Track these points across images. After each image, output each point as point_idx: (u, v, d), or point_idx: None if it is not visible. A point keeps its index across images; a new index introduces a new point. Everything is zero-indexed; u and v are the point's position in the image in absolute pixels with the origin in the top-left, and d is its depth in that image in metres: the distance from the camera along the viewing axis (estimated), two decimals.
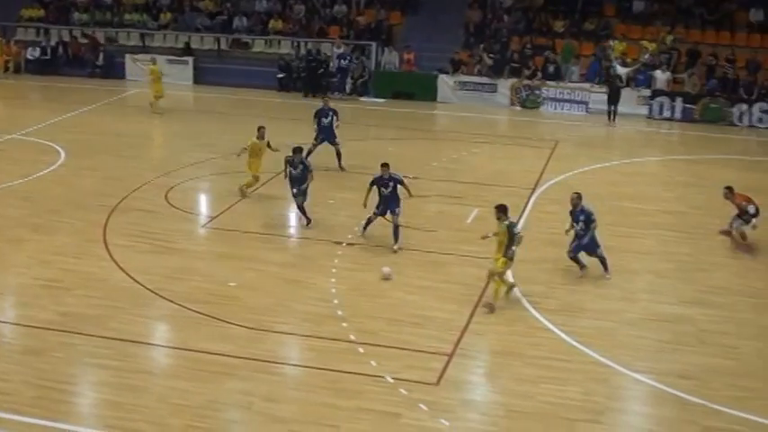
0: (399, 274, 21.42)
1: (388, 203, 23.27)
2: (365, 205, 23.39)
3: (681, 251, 23.89)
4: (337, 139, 30.10)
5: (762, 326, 19.74)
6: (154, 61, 40.22)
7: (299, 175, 24.53)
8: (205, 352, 17.67)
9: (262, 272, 21.74)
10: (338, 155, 29.95)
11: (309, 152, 28.71)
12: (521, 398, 16.47)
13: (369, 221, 23.55)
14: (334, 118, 30.00)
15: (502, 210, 20.11)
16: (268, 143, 27.38)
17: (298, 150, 24.94)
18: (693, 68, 41.15)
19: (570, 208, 21.75)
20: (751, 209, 23.51)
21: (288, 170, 24.86)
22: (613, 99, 39.22)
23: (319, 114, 30.05)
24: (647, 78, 40.88)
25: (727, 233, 24.12)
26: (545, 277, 21.79)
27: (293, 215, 25.50)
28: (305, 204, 24.74)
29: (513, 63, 42.56)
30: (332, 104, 30.56)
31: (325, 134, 29.86)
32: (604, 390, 16.90)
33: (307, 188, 24.61)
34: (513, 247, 19.79)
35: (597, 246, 21.67)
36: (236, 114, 37.96)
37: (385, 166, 23.41)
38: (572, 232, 21.73)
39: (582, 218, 21.38)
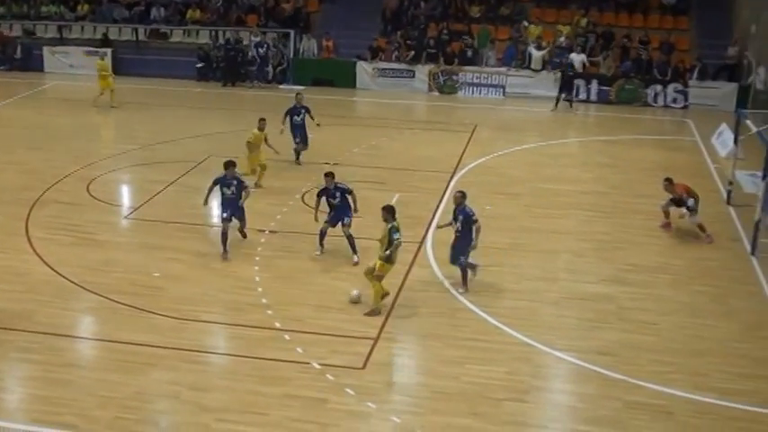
0: (324, 261, 21.59)
1: (339, 213, 22.28)
2: (316, 219, 22.53)
3: (599, 230, 24.33)
4: (308, 140, 29.79)
5: (680, 302, 20.23)
6: (102, 56, 39.45)
7: (232, 195, 22.28)
8: (131, 343, 17.68)
9: (185, 262, 21.76)
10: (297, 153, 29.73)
11: (298, 155, 29.04)
12: (446, 379, 16.72)
13: (322, 234, 22.22)
14: (307, 116, 29.46)
15: (388, 211, 19.39)
16: (265, 137, 27.21)
17: (230, 165, 22.52)
18: (608, 51, 41.75)
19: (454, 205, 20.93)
20: (690, 202, 23.87)
21: (220, 190, 22.54)
22: (566, 87, 39.68)
23: (291, 113, 29.34)
24: (562, 61, 41.33)
25: (668, 225, 24.53)
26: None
27: (215, 204, 25.49)
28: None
29: (430, 49, 42.82)
30: (304, 102, 29.81)
31: (299, 132, 29.25)
32: (528, 369, 17.20)
33: (243, 210, 22.56)
34: (389, 252, 19.06)
35: (462, 254, 20.35)
36: (155, 105, 37.82)
37: (329, 175, 22.36)
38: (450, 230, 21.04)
39: (461, 217, 20.19)
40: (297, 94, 29.95)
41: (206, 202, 22.96)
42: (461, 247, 20.25)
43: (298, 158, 29.60)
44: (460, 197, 20.48)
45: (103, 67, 38.05)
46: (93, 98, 37.86)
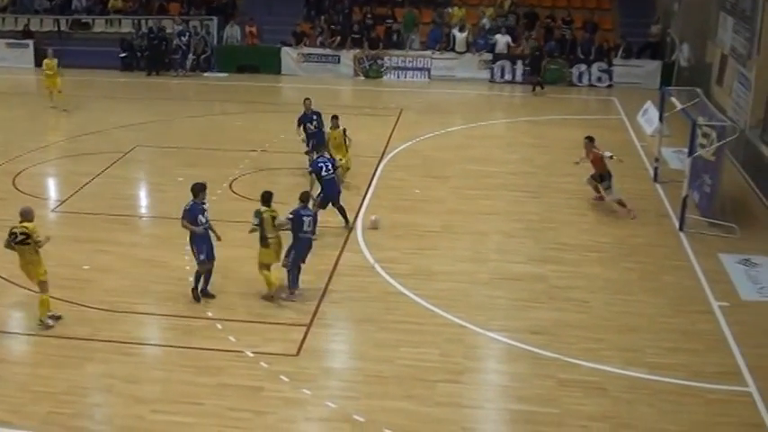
0: (253, 249, 21.46)
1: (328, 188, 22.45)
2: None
3: (528, 210, 24.48)
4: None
5: (609, 279, 20.44)
6: (50, 55, 37.88)
7: (204, 230, 19.27)
8: (63, 337, 17.49)
9: (115, 253, 21.53)
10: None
11: (310, 163, 25.94)
12: (380, 362, 16.75)
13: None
14: (319, 121, 26.94)
15: (263, 198, 19.09)
16: (344, 131, 26.07)
17: (201, 189, 19.34)
18: (532, 31, 41.94)
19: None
20: (605, 183, 24.33)
21: (196, 219, 19.21)
22: (535, 69, 39.78)
23: (303, 120, 26.88)
24: (486, 43, 41.54)
25: (600, 198, 24.75)
26: (396, 243, 22.10)
27: (143, 195, 25.35)
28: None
29: (354, 34, 42.76)
30: (314, 107, 27.33)
31: (317, 139, 26.34)
32: (461, 350, 17.28)
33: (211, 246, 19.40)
34: (270, 236, 18.88)
35: (299, 257, 19.28)
36: (80, 96, 37.25)
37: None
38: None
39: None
40: (305, 99, 27.29)
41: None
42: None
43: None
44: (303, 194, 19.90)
45: (49, 66, 35.80)
46: (52, 97, 35.69)
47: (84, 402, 15.59)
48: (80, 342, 17.33)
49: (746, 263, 21.24)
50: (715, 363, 16.90)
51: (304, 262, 19.35)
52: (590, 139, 24.59)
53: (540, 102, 37.80)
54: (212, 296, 19.19)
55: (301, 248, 19.12)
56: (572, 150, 29.42)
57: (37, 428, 14.75)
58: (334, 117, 26.02)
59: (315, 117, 26.86)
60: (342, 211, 22.79)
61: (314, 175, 22.66)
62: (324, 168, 22.53)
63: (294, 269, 19.19)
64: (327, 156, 23.29)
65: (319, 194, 22.54)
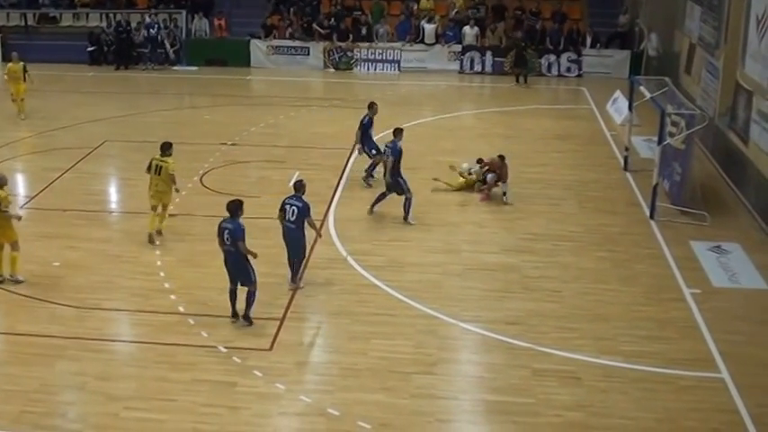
0: None
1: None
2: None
3: (500, 201, 24.45)
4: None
5: (581, 268, 20.49)
6: (15, 59, 33.76)
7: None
8: (33, 335, 17.35)
9: (85, 249, 21.38)
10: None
11: (373, 166, 25.70)
12: (354, 355, 16.73)
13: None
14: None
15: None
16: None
17: (239, 206, 17.88)
18: (496, 23, 41.91)
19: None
20: (489, 177, 24.65)
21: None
22: (520, 63, 39.76)
23: (365, 126, 25.94)
24: (456, 34, 41.53)
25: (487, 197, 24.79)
26: (368, 235, 22.09)
27: (113, 190, 25.19)
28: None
29: (323, 26, 42.63)
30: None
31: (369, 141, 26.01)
32: (435, 341, 17.28)
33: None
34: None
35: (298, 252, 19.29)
36: (48, 91, 36.96)
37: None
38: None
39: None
40: (370, 105, 26.28)
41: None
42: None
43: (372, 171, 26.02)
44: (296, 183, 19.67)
45: (12, 70, 33.16)
46: (15, 103, 33.53)
47: (56, 401, 15.47)
48: (50, 339, 17.19)
49: (717, 250, 21.36)
50: (688, 350, 17.00)
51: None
52: (501, 159, 24.67)
53: (510, 92, 37.84)
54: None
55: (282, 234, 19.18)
56: (543, 140, 29.75)
57: (8, 428, 14.62)
58: (373, 104, 26.20)
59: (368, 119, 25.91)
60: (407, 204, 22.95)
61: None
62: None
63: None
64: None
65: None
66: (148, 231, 21.53)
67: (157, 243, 21.40)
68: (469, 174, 25.15)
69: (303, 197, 18.94)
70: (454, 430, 14.97)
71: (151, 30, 42.36)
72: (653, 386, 15.79)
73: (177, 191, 21.98)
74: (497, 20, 42.13)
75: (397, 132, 23.16)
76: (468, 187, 25.05)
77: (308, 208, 18.87)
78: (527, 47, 40.36)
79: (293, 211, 18.75)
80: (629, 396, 15.48)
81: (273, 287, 19.09)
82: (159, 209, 21.79)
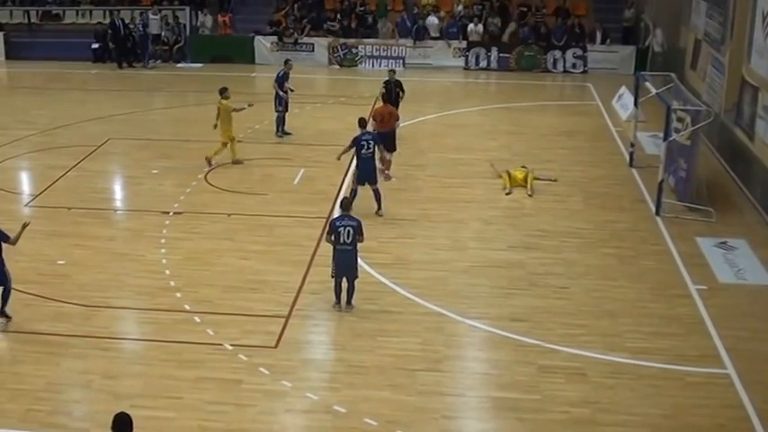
0: (231, 240, 21.38)
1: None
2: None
3: (506, 198, 24.45)
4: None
5: (588, 264, 20.44)
6: None
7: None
8: (39, 333, 17.33)
9: (90, 248, 21.36)
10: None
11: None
12: (360, 353, 16.69)
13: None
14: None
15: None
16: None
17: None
18: (500, 18, 41.87)
19: None
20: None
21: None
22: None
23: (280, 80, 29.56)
24: (459, 31, 41.50)
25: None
26: (374, 232, 21.98)
27: (117, 188, 25.14)
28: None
29: (329, 22, 42.62)
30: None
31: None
32: (441, 338, 17.24)
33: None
34: None
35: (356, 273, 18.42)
36: (52, 89, 37.04)
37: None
38: None
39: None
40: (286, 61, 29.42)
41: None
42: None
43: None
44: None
45: None
46: None
47: (62, 399, 15.46)
48: (57, 338, 17.16)
49: (723, 246, 21.32)
50: (694, 346, 16.96)
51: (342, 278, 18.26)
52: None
53: (516, 89, 37.77)
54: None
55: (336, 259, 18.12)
56: (549, 137, 29.69)
57: (15, 426, 14.60)
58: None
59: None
60: (377, 196, 22.97)
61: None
62: (366, 146, 22.81)
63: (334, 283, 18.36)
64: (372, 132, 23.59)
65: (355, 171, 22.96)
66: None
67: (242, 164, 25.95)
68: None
69: (352, 214, 18.21)
70: (461, 427, 14.92)
71: (155, 27, 42.31)
72: (660, 382, 15.75)
73: (250, 105, 27.59)
74: (503, 17, 42.09)
75: (362, 122, 23.66)
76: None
77: (361, 224, 18.00)
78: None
79: (348, 232, 17.76)
80: (636, 392, 15.44)
81: (278, 285, 19.12)
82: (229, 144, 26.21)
